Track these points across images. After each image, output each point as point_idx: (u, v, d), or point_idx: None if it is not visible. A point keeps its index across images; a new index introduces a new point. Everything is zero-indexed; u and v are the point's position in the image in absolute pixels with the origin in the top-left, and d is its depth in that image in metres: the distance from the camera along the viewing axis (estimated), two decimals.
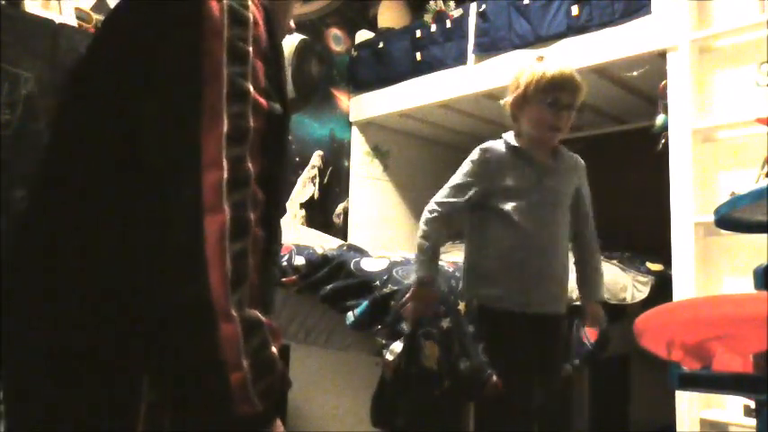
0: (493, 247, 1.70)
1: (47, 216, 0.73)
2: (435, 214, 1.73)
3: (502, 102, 1.76)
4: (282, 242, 2.59)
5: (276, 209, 0.79)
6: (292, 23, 0.97)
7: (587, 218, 1.82)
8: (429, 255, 1.72)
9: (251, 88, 0.68)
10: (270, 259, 0.75)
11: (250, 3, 0.71)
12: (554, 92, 1.65)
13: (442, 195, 1.75)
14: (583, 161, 1.84)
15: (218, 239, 0.62)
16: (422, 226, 1.75)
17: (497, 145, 1.75)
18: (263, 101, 0.69)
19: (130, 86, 0.70)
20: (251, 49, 0.69)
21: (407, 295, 1.76)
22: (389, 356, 1.82)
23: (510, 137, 1.75)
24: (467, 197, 1.71)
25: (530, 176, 1.70)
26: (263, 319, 0.66)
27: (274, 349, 0.65)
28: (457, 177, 1.75)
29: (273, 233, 0.77)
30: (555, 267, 1.71)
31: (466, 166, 1.75)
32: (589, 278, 1.81)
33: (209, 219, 0.62)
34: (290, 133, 0.85)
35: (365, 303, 1.94)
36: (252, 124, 0.67)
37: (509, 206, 1.67)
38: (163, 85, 0.68)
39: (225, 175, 0.63)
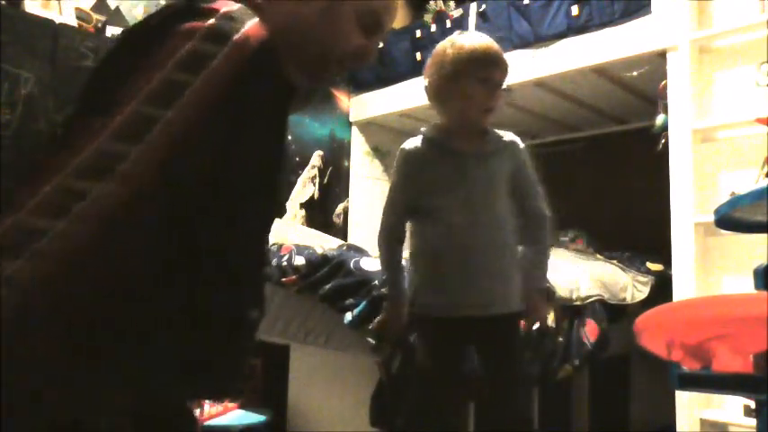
0: (424, 252, 1.56)
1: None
2: (378, 249, 1.63)
3: (425, 83, 1.56)
4: (282, 243, 2.58)
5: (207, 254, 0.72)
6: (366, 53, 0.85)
7: (527, 199, 1.57)
8: (388, 281, 1.65)
9: (153, 134, 0.62)
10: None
11: (223, 52, 0.66)
12: (487, 68, 1.48)
13: (382, 221, 1.62)
14: (519, 140, 1.60)
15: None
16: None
17: (415, 141, 1.60)
18: (167, 154, 0.63)
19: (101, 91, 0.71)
20: (190, 97, 0.64)
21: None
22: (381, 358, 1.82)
23: (428, 129, 1.60)
24: (402, 212, 1.59)
25: (452, 168, 1.53)
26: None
27: None
28: (388, 194, 1.63)
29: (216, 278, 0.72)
30: (494, 264, 1.50)
31: (392, 177, 1.62)
32: (526, 264, 1.56)
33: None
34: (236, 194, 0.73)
35: (364, 303, 1.94)
36: (128, 167, 0.61)
37: (433, 204, 1.52)
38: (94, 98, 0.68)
39: (47, 190, 0.59)
